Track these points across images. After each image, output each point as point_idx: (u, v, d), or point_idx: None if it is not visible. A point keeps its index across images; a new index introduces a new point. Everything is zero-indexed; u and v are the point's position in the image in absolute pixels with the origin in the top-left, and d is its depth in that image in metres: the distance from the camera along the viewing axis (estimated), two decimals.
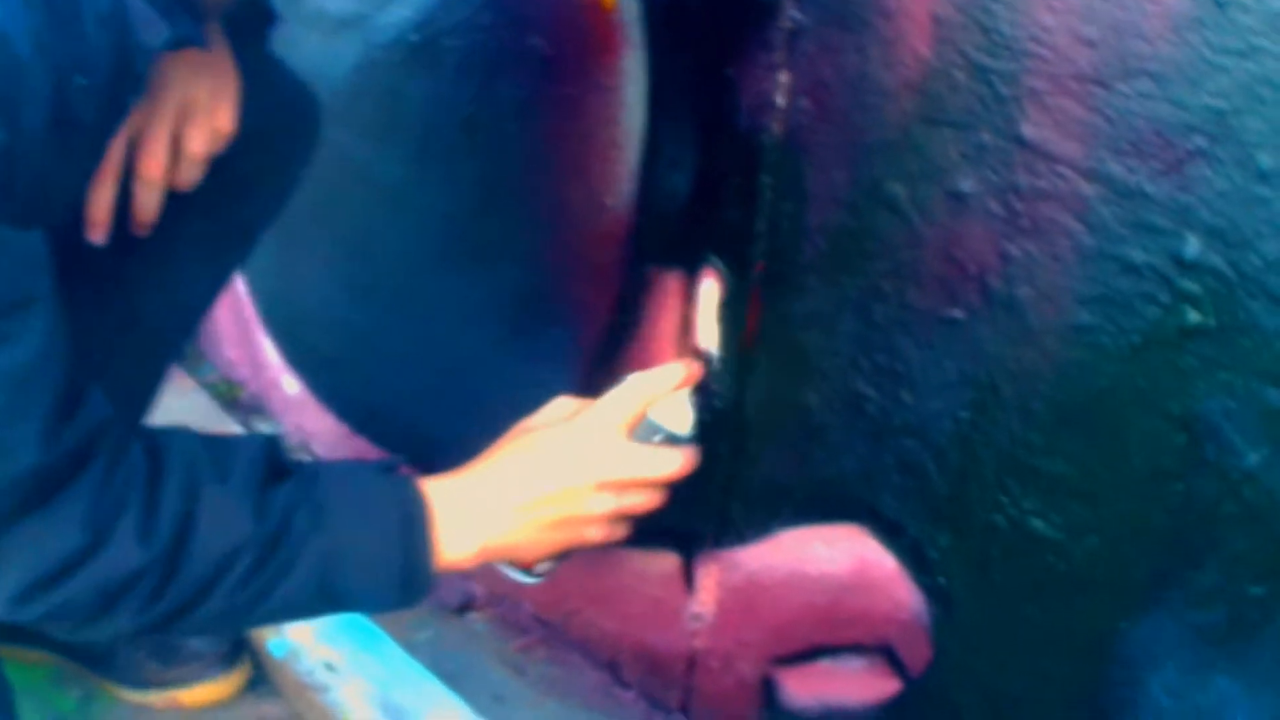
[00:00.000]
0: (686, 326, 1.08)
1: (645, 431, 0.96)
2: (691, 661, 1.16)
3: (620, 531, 0.97)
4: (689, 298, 1.07)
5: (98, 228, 0.96)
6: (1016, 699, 0.95)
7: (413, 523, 0.88)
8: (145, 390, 1.19)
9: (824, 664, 1.06)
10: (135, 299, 1.08)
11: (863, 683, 1.04)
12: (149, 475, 0.81)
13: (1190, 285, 0.77)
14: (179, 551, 0.80)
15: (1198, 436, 0.81)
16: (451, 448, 1.36)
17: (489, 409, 1.28)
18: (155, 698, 1.17)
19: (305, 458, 0.88)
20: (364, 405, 1.44)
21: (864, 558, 1.00)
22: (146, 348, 1.14)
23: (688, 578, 1.14)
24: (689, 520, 1.11)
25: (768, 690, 1.10)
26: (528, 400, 1.22)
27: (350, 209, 1.40)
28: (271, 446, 0.88)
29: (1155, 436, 0.82)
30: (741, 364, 1.04)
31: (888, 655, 1.02)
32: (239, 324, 1.65)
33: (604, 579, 1.22)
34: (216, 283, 1.18)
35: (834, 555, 1.02)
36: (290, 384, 1.55)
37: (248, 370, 1.65)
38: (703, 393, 1.06)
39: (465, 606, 1.32)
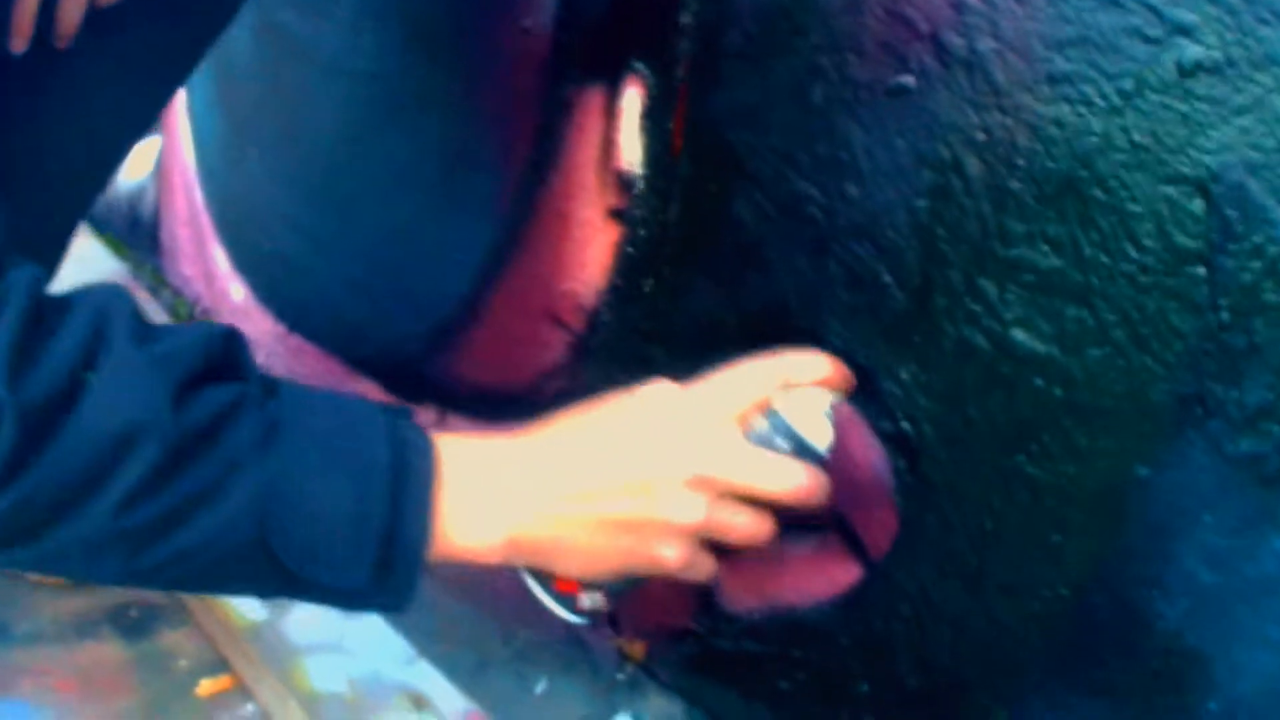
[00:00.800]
0: (608, 148, 0.89)
1: (768, 431, 0.69)
2: None
3: (705, 566, 0.69)
4: (611, 115, 0.88)
5: (21, 34, 0.82)
6: (1007, 585, 0.73)
7: (408, 474, 0.61)
8: (55, 234, 1.01)
9: (768, 549, 0.84)
10: (49, 126, 0.92)
11: (813, 572, 0.81)
12: (33, 306, 0.58)
13: (1183, 13, 0.59)
14: (59, 410, 0.56)
15: (1218, 202, 0.60)
16: (378, 330, 1.20)
17: (413, 279, 1.12)
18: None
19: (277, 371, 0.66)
20: (297, 300, 1.28)
21: None
22: (59, 180, 0.96)
23: None
24: (611, 379, 0.90)
25: (704, 591, 0.88)
26: (449, 263, 1.06)
27: (289, 92, 1.26)
28: (229, 340, 0.63)
29: (1164, 206, 0.62)
30: (668, 178, 0.85)
31: (843, 532, 0.80)
32: (195, 237, 1.51)
33: None
34: (138, 116, 1.01)
35: None
36: (237, 291, 1.40)
37: (202, 284, 1.50)
38: (627, 221, 0.87)
39: None
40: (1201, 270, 0.62)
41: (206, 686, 0.90)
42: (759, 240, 0.79)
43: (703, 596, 0.88)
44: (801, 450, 0.69)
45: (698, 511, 0.66)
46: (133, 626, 0.96)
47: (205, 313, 1.47)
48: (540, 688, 0.93)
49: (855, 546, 0.79)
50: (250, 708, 0.88)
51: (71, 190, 1.03)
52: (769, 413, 0.69)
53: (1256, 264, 0.60)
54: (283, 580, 0.62)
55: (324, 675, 0.86)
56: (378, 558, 0.60)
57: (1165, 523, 0.66)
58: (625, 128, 0.86)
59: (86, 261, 1.62)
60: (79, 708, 0.86)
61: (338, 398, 0.66)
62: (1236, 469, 0.64)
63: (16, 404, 0.55)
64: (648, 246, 0.86)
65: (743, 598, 0.86)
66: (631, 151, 0.86)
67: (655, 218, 0.85)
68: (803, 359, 0.70)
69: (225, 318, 1.43)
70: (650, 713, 0.90)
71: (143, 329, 0.60)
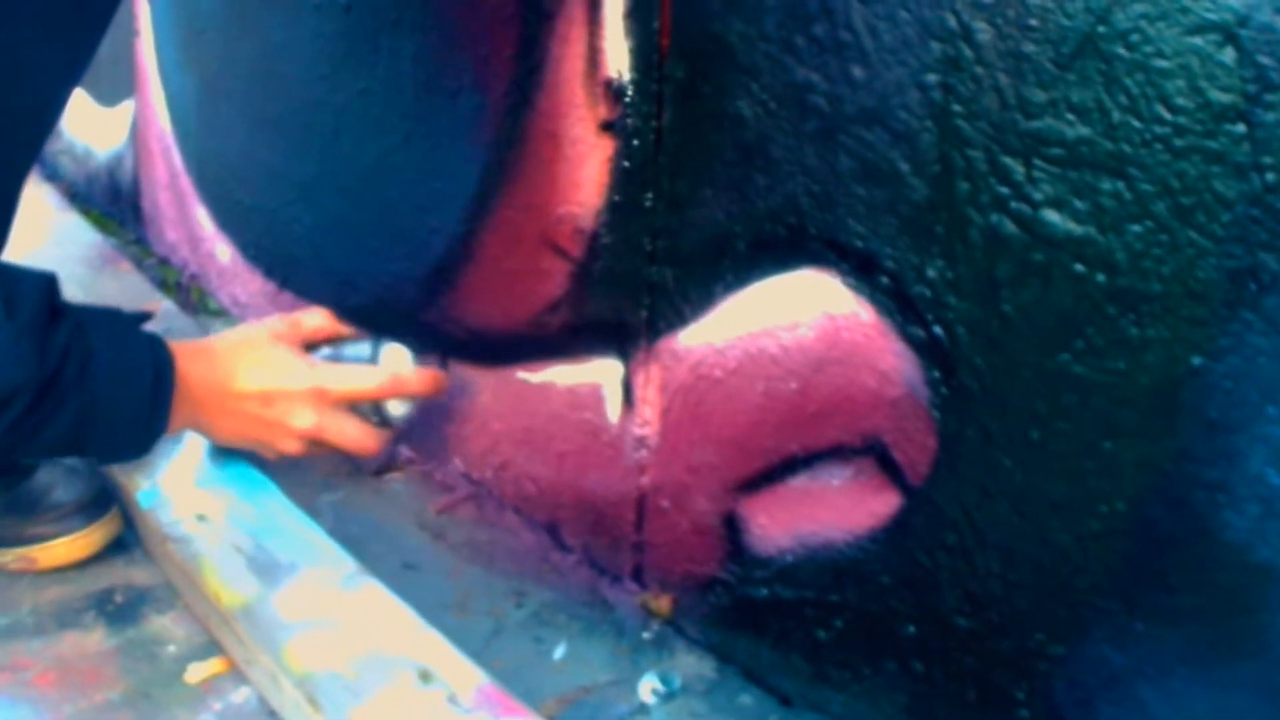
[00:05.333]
0: (594, 57, 0.91)
1: (365, 406, 1.06)
2: (640, 506, 0.98)
3: (319, 451, 1.05)
4: (594, 22, 0.90)
5: None
6: (1058, 502, 0.74)
7: (160, 387, 0.96)
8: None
9: (798, 482, 0.86)
10: None
11: (849, 503, 0.83)
12: None
13: None
14: None
15: (1249, 48, 0.61)
16: (370, 278, 1.24)
17: (401, 219, 1.16)
18: (10, 557, 1.05)
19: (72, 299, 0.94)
20: (285, 254, 1.31)
21: (831, 314, 0.80)
22: None
23: (626, 390, 0.97)
24: (616, 308, 0.94)
25: (732, 532, 0.90)
26: (438, 198, 1.09)
27: (260, 38, 1.30)
28: (51, 286, 0.90)
29: (1193, 59, 0.63)
30: (658, 82, 0.87)
31: (879, 457, 0.82)
32: (177, 201, 1.57)
33: (532, 414, 1.05)
34: (68, 65, 1.08)
35: (795, 317, 0.82)
36: (223, 252, 1.45)
37: (187, 249, 1.55)
38: (620, 133, 0.90)
39: (384, 469, 1.18)
40: (1241, 127, 0.62)
41: (197, 672, 0.94)
42: (761, 138, 0.81)
43: (732, 539, 0.91)
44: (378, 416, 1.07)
45: (308, 420, 1.02)
46: (117, 613, 1.00)
47: (193, 278, 1.52)
48: (559, 652, 0.96)
49: (892, 472, 0.81)
50: (245, 692, 0.91)
51: (12, 138, 1.08)
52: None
53: None
54: (86, 454, 1.00)
55: (321, 653, 0.88)
56: (139, 443, 0.97)
57: (1225, 418, 0.67)
58: (609, 33, 0.89)
59: (67, 238, 1.70)
60: (58, 702, 0.89)
61: (114, 322, 0.97)
62: None
63: None
64: (644, 158, 0.88)
65: (774, 537, 0.88)
66: (618, 58, 0.88)
67: (649, 126, 0.87)
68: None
69: (213, 280, 1.49)
70: (680, 673, 0.93)
71: (7, 303, 0.85)
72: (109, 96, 1.74)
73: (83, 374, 0.89)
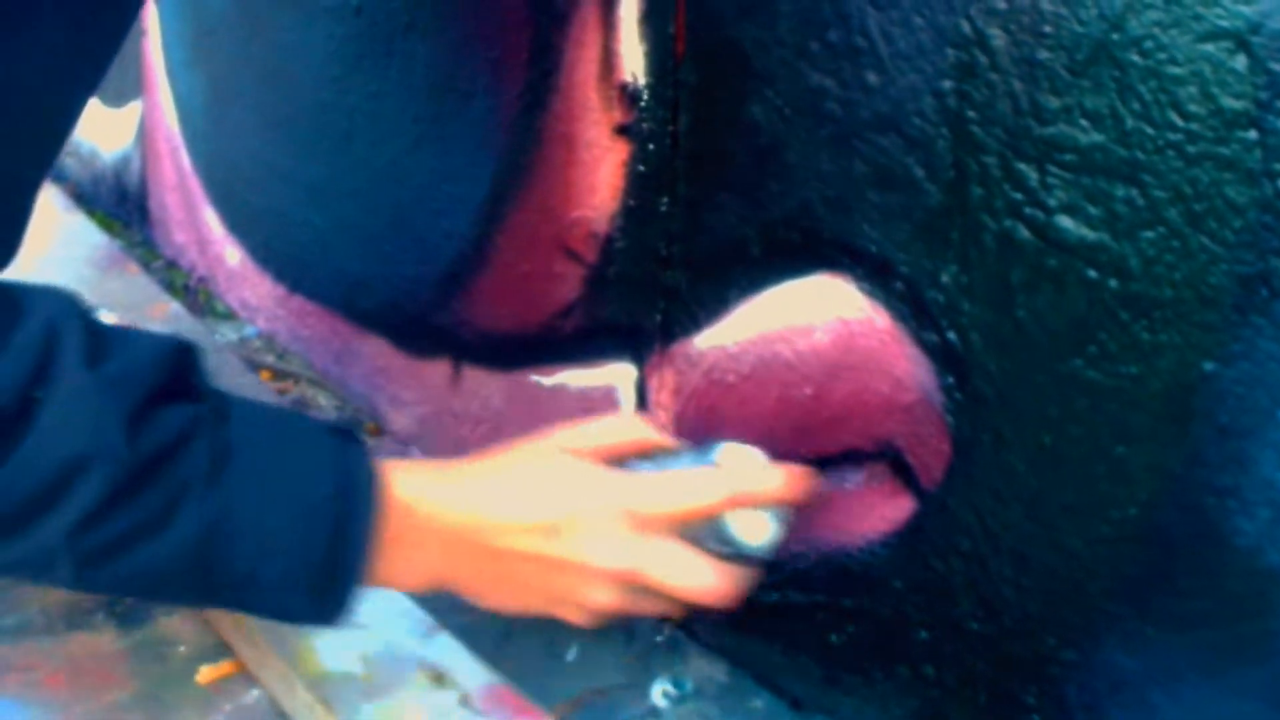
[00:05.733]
0: (609, 60, 0.93)
1: (705, 533, 0.78)
2: None
3: (644, 605, 0.77)
4: (608, 25, 0.93)
5: None
6: (1071, 506, 0.76)
7: (350, 512, 0.69)
8: (14, 200, 1.09)
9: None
10: None
11: (862, 509, 0.85)
12: None
13: None
14: (8, 433, 0.63)
15: (1260, 55, 0.63)
16: (382, 281, 1.27)
17: (414, 222, 1.18)
18: None
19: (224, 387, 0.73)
20: (296, 258, 1.34)
21: (846, 320, 0.82)
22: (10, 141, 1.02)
23: (640, 394, 0.99)
24: (630, 312, 0.96)
25: None
26: (451, 201, 1.12)
27: (270, 39, 1.32)
28: (181, 355, 0.70)
29: (1206, 66, 0.64)
30: (674, 87, 0.89)
31: (893, 462, 0.84)
32: (185, 203, 1.59)
33: (545, 418, 1.06)
34: (84, 77, 1.11)
35: (809, 322, 0.84)
36: (232, 254, 1.48)
37: (196, 252, 1.58)
38: (636, 137, 0.92)
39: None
40: (1252, 134, 0.64)
41: (207, 673, 0.95)
42: (776, 144, 0.83)
43: None
44: (734, 551, 0.79)
45: (629, 554, 0.74)
46: (128, 614, 1.01)
47: (201, 280, 1.55)
48: (571, 655, 0.98)
49: (906, 477, 0.83)
50: (255, 694, 0.93)
51: (25, 151, 1.09)
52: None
53: None
54: (222, 600, 0.73)
55: (334, 653, 0.90)
56: (314, 588, 0.71)
57: (1236, 423, 0.69)
58: (625, 36, 0.91)
59: (73, 240, 1.72)
60: (68, 702, 0.91)
61: (288, 422, 0.75)
62: None
63: None
64: (659, 162, 0.90)
65: (786, 543, 0.90)
66: (633, 62, 0.91)
67: (665, 130, 0.89)
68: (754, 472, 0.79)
69: (222, 283, 1.51)
70: (692, 676, 0.95)
71: (94, 345, 0.67)
72: (116, 97, 1.77)
73: (215, 474, 0.66)
